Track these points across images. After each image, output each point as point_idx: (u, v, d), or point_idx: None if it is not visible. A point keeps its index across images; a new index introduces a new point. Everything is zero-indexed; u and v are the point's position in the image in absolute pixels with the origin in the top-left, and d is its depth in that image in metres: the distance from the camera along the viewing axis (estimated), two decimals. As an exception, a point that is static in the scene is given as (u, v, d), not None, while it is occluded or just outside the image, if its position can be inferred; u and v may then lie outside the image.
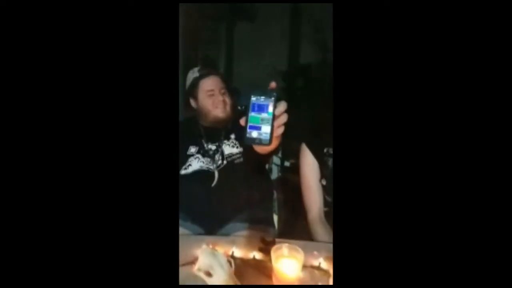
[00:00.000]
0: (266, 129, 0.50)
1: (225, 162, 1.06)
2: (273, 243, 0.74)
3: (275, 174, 1.87)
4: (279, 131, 0.51)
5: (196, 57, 1.79)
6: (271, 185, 1.21)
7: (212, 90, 1.09)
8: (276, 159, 1.88)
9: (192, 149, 1.09)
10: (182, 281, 0.58)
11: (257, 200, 1.05)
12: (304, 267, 0.63)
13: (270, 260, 0.63)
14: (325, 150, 0.94)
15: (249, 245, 0.75)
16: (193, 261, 0.67)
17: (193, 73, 1.13)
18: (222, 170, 1.04)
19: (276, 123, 0.50)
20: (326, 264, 0.66)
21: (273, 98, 0.50)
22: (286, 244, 0.61)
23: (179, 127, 1.19)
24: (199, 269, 0.61)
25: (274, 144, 0.51)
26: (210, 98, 1.09)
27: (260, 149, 0.57)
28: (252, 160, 1.06)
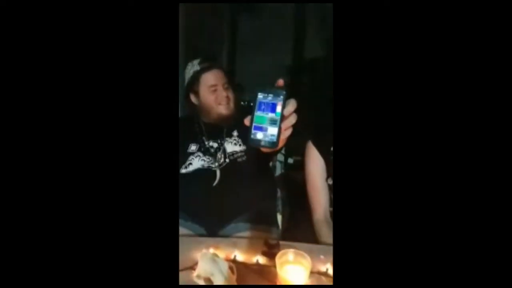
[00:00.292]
0: (272, 130, 0.45)
1: (227, 160, 1.02)
2: (277, 246, 0.70)
3: (278, 171, 1.83)
4: (287, 133, 0.47)
5: (196, 50, 1.75)
6: (275, 184, 1.17)
7: (215, 85, 1.04)
8: (279, 156, 1.84)
9: (193, 147, 1.05)
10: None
11: (260, 200, 1.01)
12: (311, 273, 0.60)
13: (274, 265, 0.59)
14: (331, 148, 0.90)
15: (252, 248, 0.71)
16: (193, 266, 0.64)
17: (193, 66, 1.07)
18: (224, 169, 1.00)
19: (284, 125, 0.46)
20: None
21: (281, 97, 0.45)
22: (292, 250, 0.57)
23: (179, 125, 1.16)
24: (198, 276, 0.57)
25: (280, 145, 0.47)
26: (213, 94, 1.04)
27: (264, 148, 0.53)
28: (256, 158, 1.02)
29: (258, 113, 0.46)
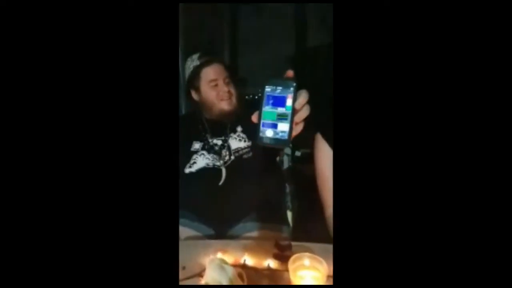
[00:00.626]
0: (283, 126, 0.41)
1: (232, 157, 0.97)
2: (289, 247, 0.66)
3: (286, 164, 1.79)
4: (299, 128, 0.42)
5: (197, 44, 1.71)
6: (283, 180, 1.12)
7: (215, 80, 0.99)
8: (286, 149, 1.79)
9: (196, 145, 1.01)
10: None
11: (268, 197, 0.97)
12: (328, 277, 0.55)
13: (287, 269, 0.55)
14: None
15: (262, 250, 0.67)
16: (201, 273, 0.60)
17: (193, 61, 1.03)
18: (230, 167, 0.96)
19: (296, 119, 0.41)
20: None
21: (292, 89, 0.41)
22: (307, 254, 0.53)
23: (181, 123, 1.12)
24: (206, 284, 0.54)
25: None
26: (214, 89, 1.00)
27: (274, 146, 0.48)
28: (262, 154, 0.98)
29: (266, 108, 0.41)
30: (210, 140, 1.01)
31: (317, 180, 0.91)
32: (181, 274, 0.61)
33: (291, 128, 0.41)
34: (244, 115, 1.00)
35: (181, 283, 0.59)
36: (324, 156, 0.88)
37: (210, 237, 0.93)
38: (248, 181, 0.94)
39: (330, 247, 0.68)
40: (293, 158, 1.75)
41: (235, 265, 0.61)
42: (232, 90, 1.02)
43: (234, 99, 1.01)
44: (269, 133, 0.41)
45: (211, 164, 0.97)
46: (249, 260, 0.64)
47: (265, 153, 0.98)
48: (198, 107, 1.07)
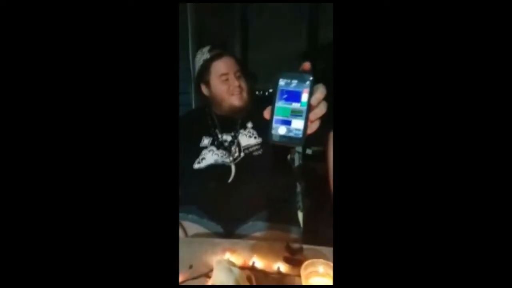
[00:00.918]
0: (297, 123, 0.38)
1: (242, 154, 0.95)
2: (300, 251, 0.63)
3: (296, 162, 1.75)
4: (314, 126, 0.39)
5: (207, 38, 1.69)
6: (294, 179, 1.09)
7: (226, 74, 0.96)
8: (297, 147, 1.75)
9: (206, 141, 0.98)
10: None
11: (279, 196, 0.94)
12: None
13: (297, 274, 0.52)
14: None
15: (272, 252, 0.65)
16: (208, 273, 0.58)
17: (203, 54, 0.99)
18: (239, 164, 0.93)
19: (311, 116, 0.38)
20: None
21: (308, 83, 0.38)
22: (321, 260, 0.50)
23: (190, 117, 1.10)
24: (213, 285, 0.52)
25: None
26: (225, 83, 0.96)
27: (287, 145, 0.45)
28: (273, 151, 0.94)
29: (279, 104, 0.38)
30: (219, 136, 0.99)
31: (330, 180, 0.87)
32: (188, 274, 0.59)
33: (305, 126, 0.37)
34: (255, 111, 0.97)
35: (187, 283, 0.57)
36: (338, 155, 0.85)
37: (218, 234, 0.91)
38: (258, 179, 0.91)
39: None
40: (304, 156, 1.71)
41: (243, 267, 0.59)
42: (243, 85, 0.98)
43: (245, 94, 0.98)
44: (282, 130, 0.38)
45: (220, 161, 0.94)
46: (258, 262, 0.62)
47: (276, 150, 0.95)
48: (208, 102, 1.04)
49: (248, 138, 0.96)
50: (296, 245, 0.62)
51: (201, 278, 0.58)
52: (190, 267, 0.61)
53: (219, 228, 0.92)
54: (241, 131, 0.97)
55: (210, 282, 0.53)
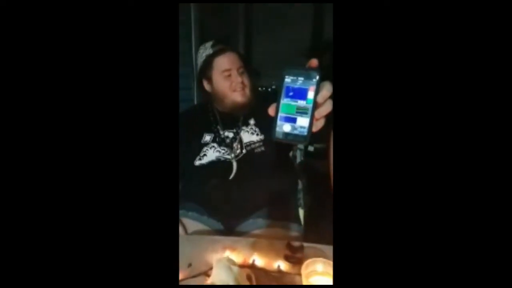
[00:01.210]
0: (303, 121, 0.37)
1: (244, 151, 0.94)
2: (301, 249, 0.62)
3: (298, 159, 1.74)
4: (320, 124, 0.38)
5: (210, 34, 1.68)
6: (296, 176, 1.08)
7: (228, 70, 0.95)
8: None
9: (207, 137, 0.98)
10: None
11: (280, 194, 0.94)
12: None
13: (298, 272, 0.52)
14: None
15: (273, 250, 0.64)
16: (207, 272, 0.58)
17: (205, 50, 0.98)
18: (241, 161, 0.92)
19: (317, 114, 0.37)
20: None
21: (314, 80, 0.37)
22: (321, 259, 0.49)
23: (192, 114, 1.09)
24: (213, 284, 0.51)
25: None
26: (227, 79, 0.95)
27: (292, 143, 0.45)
28: (275, 148, 0.94)
29: (285, 101, 0.38)
30: (221, 132, 0.98)
31: (331, 178, 0.87)
32: (187, 272, 0.59)
33: (311, 124, 0.37)
34: (257, 108, 0.96)
35: (186, 282, 0.57)
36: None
37: (218, 232, 0.90)
38: (260, 176, 0.91)
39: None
40: (305, 153, 1.70)
41: (243, 266, 0.59)
42: (246, 81, 0.97)
43: (247, 91, 0.97)
44: (286, 127, 0.38)
45: (222, 157, 0.93)
46: (259, 260, 0.61)
47: (278, 147, 0.94)
48: (210, 98, 1.04)
49: (250, 135, 0.95)
50: (297, 243, 0.61)
51: (200, 277, 0.58)
52: (189, 265, 0.61)
53: (219, 225, 0.92)
54: (243, 127, 0.97)
55: (209, 280, 0.53)
